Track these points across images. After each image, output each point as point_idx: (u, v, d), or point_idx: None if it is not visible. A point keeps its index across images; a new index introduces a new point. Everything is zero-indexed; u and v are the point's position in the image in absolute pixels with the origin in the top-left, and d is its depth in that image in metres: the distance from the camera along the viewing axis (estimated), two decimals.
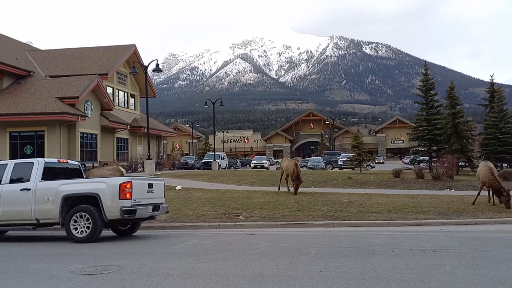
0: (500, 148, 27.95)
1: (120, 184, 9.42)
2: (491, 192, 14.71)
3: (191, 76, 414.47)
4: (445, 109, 29.01)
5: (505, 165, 29.07)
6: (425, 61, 34.31)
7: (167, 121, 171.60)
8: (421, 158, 29.91)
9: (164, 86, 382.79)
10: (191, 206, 14.72)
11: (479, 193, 14.97)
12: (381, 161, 37.94)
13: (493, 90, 31.97)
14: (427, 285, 5.49)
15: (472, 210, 13.56)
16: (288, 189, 18.50)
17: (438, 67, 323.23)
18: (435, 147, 28.63)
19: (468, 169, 27.98)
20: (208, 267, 6.59)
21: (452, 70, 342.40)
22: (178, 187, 19.37)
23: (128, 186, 9.43)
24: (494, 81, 32.85)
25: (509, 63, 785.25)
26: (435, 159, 27.30)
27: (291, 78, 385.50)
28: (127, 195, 9.41)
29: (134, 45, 39.93)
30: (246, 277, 5.95)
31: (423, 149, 29.60)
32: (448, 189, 19.09)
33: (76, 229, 9.54)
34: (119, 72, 38.52)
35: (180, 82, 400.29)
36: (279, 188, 18.91)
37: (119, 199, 9.36)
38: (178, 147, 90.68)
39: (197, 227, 11.99)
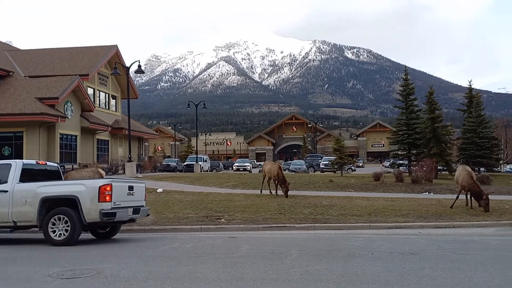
0: (477, 152, 28.52)
1: (99, 187, 9.29)
2: (469, 195, 14.99)
3: (174, 78, 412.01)
4: (425, 113, 29.49)
5: (482, 169, 29.69)
6: (405, 67, 34.85)
7: (149, 123, 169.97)
8: (401, 161, 30.36)
9: (147, 87, 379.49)
10: (173, 209, 14.61)
11: (457, 197, 15.24)
12: (360, 164, 38.28)
13: (471, 95, 32.61)
14: None
15: (450, 214, 13.80)
16: (270, 192, 18.54)
17: (418, 72, 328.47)
18: (414, 151, 29.07)
19: (447, 173, 28.47)
20: (188, 271, 6.54)
21: (431, 75, 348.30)
22: (159, 190, 19.21)
23: (108, 188, 9.31)
24: (472, 87, 33.53)
25: (487, 70, 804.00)
26: (414, 162, 27.72)
27: (274, 81, 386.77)
28: (107, 198, 9.28)
29: (116, 46, 39.50)
30: (227, 280, 5.93)
31: (402, 153, 30.01)
32: (427, 193, 19.40)
33: (54, 232, 9.36)
34: (100, 73, 38.04)
35: (162, 83, 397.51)
36: (261, 191, 18.92)
37: (99, 201, 9.23)
38: (160, 149, 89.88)
39: (178, 230, 11.89)
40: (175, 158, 63.28)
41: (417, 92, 31.82)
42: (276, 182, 18.06)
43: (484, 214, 13.75)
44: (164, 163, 45.16)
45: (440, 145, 27.85)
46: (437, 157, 27.05)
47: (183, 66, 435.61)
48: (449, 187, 20.42)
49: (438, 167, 27.53)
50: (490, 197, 14.50)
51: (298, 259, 7.49)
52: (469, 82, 33.21)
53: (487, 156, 28.99)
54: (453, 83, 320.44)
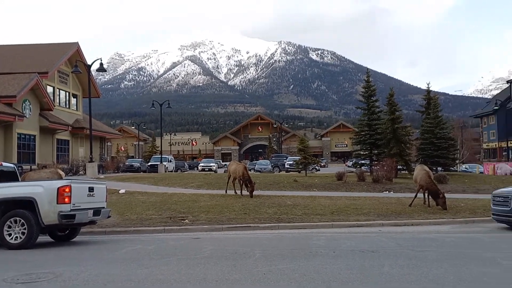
0: (435, 152, 29.54)
1: (58, 188, 9.01)
2: (427, 194, 15.53)
3: (138, 77, 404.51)
4: (385, 115, 30.29)
5: (439, 168, 30.76)
6: (367, 69, 35.73)
7: (112, 123, 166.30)
8: (363, 161, 31.03)
9: (110, 86, 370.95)
10: (135, 210, 14.37)
11: (416, 195, 15.75)
12: (323, 164, 38.83)
13: (429, 97, 33.72)
14: (365, 285, 5.70)
15: (409, 212, 14.25)
16: (235, 192, 18.54)
17: (380, 74, 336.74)
18: (375, 151, 29.80)
19: (406, 172, 29.35)
20: (150, 273, 6.45)
21: (392, 77, 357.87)
22: (121, 191, 18.82)
23: (67, 190, 9.05)
24: (430, 89, 34.67)
25: (445, 73, 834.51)
26: (375, 162, 28.43)
27: (240, 82, 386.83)
28: (66, 199, 9.02)
29: (77, 43, 38.43)
30: (189, 282, 5.89)
31: (364, 152, 30.70)
32: (387, 192, 19.94)
33: (10, 235, 9.00)
34: (60, 71, 36.91)
35: (126, 82, 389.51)
36: (226, 191, 18.89)
37: (57, 203, 8.96)
38: (123, 150, 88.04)
39: (140, 231, 11.71)
40: (139, 158, 62.14)
41: (379, 94, 32.63)
42: (241, 182, 18.09)
43: (440, 212, 14.28)
44: (127, 163, 44.31)
45: (400, 145, 28.70)
46: (397, 157, 27.85)
47: (148, 65, 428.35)
48: (408, 186, 21.05)
49: (398, 167, 28.33)
50: (446, 195, 15.08)
51: (262, 259, 7.53)
52: (427, 84, 34.38)
53: (444, 156, 30.07)
54: (412, 85, 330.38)
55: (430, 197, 15.50)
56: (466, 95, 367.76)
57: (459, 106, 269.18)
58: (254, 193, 17.57)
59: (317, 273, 6.39)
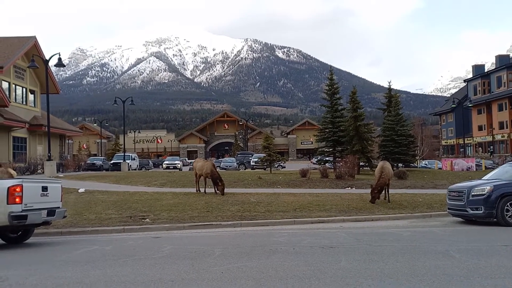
0: (396, 149, 30.26)
1: (8, 188, 8.61)
2: (387, 189, 15.87)
3: (101, 73, 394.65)
4: (348, 112, 30.78)
5: (400, 164, 31.56)
6: (331, 67, 36.18)
7: (74, 120, 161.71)
8: (327, 158, 31.42)
9: (71, 82, 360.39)
10: (94, 209, 13.96)
11: (380, 191, 16.03)
12: (282, 164, 39.28)
13: (391, 95, 34.49)
14: (322, 281, 5.72)
15: (369, 207, 14.52)
16: (198, 190, 18.34)
17: (344, 73, 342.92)
18: (339, 148, 30.25)
19: (368, 168, 29.94)
20: (104, 274, 6.25)
21: (356, 76, 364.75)
22: (81, 190, 18.27)
23: (18, 189, 8.66)
24: (392, 87, 35.50)
25: (406, 72, 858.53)
26: (338, 159, 28.86)
27: (206, 79, 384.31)
28: (17, 200, 8.63)
29: (34, 37, 36.97)
30: (144, 282, 5.74)
31: (328, 149, 31.10)
32: (350, 188, 20.26)
33: None
34: (17, 65, 35.41)
35: (89, 78, 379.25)
36: (197, 190, 18.45)
37: (7, 203, 8.56)
38: (85, 148, 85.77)
39: (99, 231, 11.39)
40: (101, 156, 60.65)
41: (343, 92, 33.12)
42: (206, 180, 17.91)
43: (400, 207, 14.62)
44: (88, 161, 43.14)
45: (362, 142, 29.23)
46: (359, 154, 28.36)
47: (111, 60, 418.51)
48: (369, 182, 21.36)
49: (360, 164, 28.86)
50: (405, 190, 15.46)
51: (221, 257, 7.46)
52: (389, 83, 35.17)
53: (404, 152, 30.85)
54: (375, 83, 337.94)
55: (389, 192, 15.87)
56: (426, 93, 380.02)
57: (420, 104, 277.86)
58: (218, 191, 17.42)
59: (275, 270, 6.37)
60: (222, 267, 6.60)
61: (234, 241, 9.64)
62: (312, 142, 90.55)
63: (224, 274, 6.17)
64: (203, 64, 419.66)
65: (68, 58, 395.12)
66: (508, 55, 73.85)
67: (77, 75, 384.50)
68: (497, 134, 62.42)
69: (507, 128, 60.30)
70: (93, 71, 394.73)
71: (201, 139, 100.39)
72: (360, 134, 29.34)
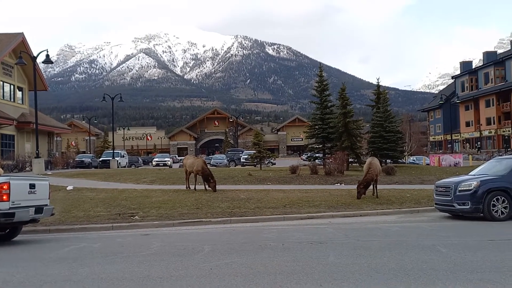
0: (384, 145, 30.47)
1: None
2: (375, 185, 15.99)
3: (90, 70, 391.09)
4: (338, 109, 30.90)
5: (388, 160, 31.79)
6: (320, 63, 36.24)
7: (62, 117, 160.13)
8: (316, 155, 31.52)
9: (60, 79, 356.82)
10: (83, 207, 13.87)
11: (367, 187, 16.14)
12: (272, 160, 39.46)
13: (379, 92, 34.69)
14: (310, 277, 5.77)
15: (358, 203, 14.62)
16: (188, 187, 18.31)
17: (334, 69, 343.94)
18: (328, 145, 30.38)
19: (357, 164, 30.11)
20: (92, 272, 6.23)
21: (346, 73, 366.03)
22: (69, 187, 18.13)
23: (5, 187, 8.57)
24: (381, 84, 35.73)
25: (395, 68, 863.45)
26: (328, 155, 28.99)
27: (196, 75, 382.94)
28: (4, 197, 8.55)
29: (22, 34, 36.50)
30: (132, 280, 5.73)
31: (318, 146, 31.23)
32: (339, 184, 20.38)
33: None
34: (4, 62, 34.96)
35: (77, 75, 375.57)
36: (187, 187, 18.45)
37: None
38: (74, 145, 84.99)
39: (87, 229, 11.31)
40: (90, 153, 60.18)
41: (332, 89, 33.19)
42: (196, 176, 17.89)
43: (387, 203, 14.74)
44: (77, 159, 42.82)
45: (351, 139, 29.38)
46: (349, 150, 28.50)
47: (100, 57, 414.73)
48: (358, 178, 21.43)
49: (350, 160, 29.01)
50: (394, 186, 15.59)
51: (210, 253, 7.47)
52: (377, 79, 35.39)
53: (392, 148, 31.08)
54: (365, 80, 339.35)
55: (377, 188, 16.00)
56: (415, 90, 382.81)
57: (408, 101, 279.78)
58: (209, 188, 17.42)
59: (264, 266, 6.41)
60: (211, 264, 6.61)
61: (223, 237, 9.65)
62: (302, 138, 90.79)
63: (213, 270, 6.18)
64: (193, 61, 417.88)
65: (56, 55, 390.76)
66: (495, 52, 74.69)
67: (65, 72, 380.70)
68: (484, 130, 63.20)
69: (494, 124, 61.08)
70: (81, 68, 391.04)
71: (191, 136, 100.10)
72: (349, 130, 29.49)
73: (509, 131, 58.27)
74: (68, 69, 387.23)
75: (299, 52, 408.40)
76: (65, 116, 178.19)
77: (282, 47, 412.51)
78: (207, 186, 17.66)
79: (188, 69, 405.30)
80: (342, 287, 5.30)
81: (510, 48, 65.06)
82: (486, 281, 5.45)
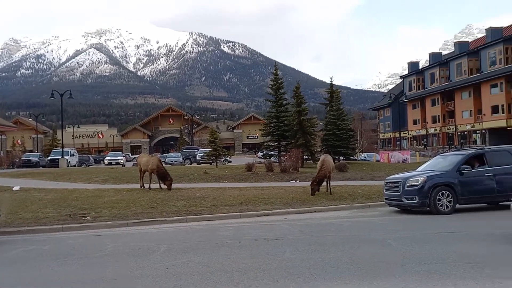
0: (337, 142, 31.25)
1: None
2: (328, 181, 16.36)
3: (37, 65, 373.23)
4: (293, 107, 31.38)
5: (341, 157, 32.65)
6: (275, 62, 36.66)
7: (7, 114, 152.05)
8: (272, 152, 31.86)
9: (4, 74, 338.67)
10: (31, 208, 13.28)
11: (320, 183, 16.49)
12: (228, 158, 39.46)
13: (332, 91, 35.51)
14: (267, 273, 5.85)
15: (312, 200, 14.92)
16: (143, 186, 17.98)
17: (289, 68, 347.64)
18: (283, 142, 30.81)
19: (311, 162, 30.71)
20: (42, 275, 6.00)
21: (300, 71, 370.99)
22: (16, 188, 17.30)
23: None
24: (334, 83, 36.58)
25: (347, 68, 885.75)
26: (283, 153, 29.37)
27: (150, 72, 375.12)
28: None
29: None
30: (84, 282, 5.58)
31: (273, 144, 31.59)
32: (294, 181, 20.69)
33: None
34: None
35: (23, 70, 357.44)
36: (142, 186, 18.07)
37: None
38: (20, 143, 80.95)
39: (36, 231, 10.84)
40: (37, 152, 57.60)
41: (287, 87, 33.62)
42: (151, 175, 17.58)
43: (340, 199, 15.15)
44: (24, 158, 40.94)
45: (305, 136, 29.93)
46: (303, 148, 29.01)
47: (48, 52, 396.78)
48: (313, 175, 21.77)
49: (304, 157, 29.53)
50: (346, 182, 16.02)
51: (166, 253, 7.39)
52: (331, 78, 36.21)
53: (345, 146, 31.95)
54: (318, 79, 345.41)
55: (330, 184, 16.40)
56: (366, 89, 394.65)
57: (360, 99, 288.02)
58: (164, 186, 17.19)
59: (221, 264, 6.42)
60: (167, 263, 6.54)
61: (179, 236, 9.57)
62: (257, 136, 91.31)
63: (169, 270, 6.13)
64: (147, 57, 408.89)
65: (0, 49, 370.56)
66: (440, 53, 78.36)
67: (10, 66, 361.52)
68: (430, 128, 66.18)
69: (439, 122, 64.09)
70: (27, 63, 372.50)
71: (145, 134, 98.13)
72: (303, 128, 30.01)
73: (452, 128, 61.40)
74: (13, 64, 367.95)
75: (254, 50, 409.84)
76: (10, 113, 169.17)
77: (237, 45, 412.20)
78: (162, 185, 17.42)
79: (142, 65, 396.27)
80: (297, 282, 5.41)
81: (453, 50, 68.39)
82: (433, 272, 5.74)
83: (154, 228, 11.31)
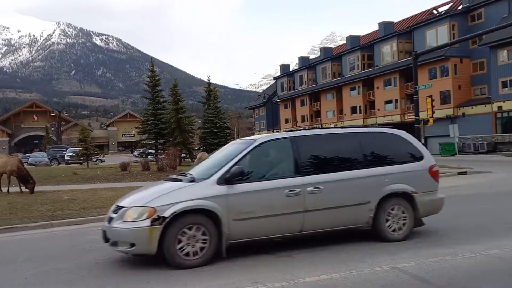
0: (215, 140, 31.79)
1: None
2: None
3: None
4: (170, 104, 31.06)
5: None
6: (152, 58, 35.85)
7: None
8: (149, 151, 31.17)
9: None
10: None
11: None
12: (101, 158, 37.53)
13: (210, 89, 36.02)
14: (139, 276, 5.75)
15: None
16: (0, 190, 16.21)
17: (166, 65, 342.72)
18: (161, 140, 30.36)
19: (189, 159, 30.78)
20: None
21: (179, 69, 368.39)
22: None
23: None
24: (211, 81, 37.17)
25: (224, 67, 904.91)
26: (161, 151, 28.94)
27: (10, 63, 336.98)
28: None
29: None
30: None
31: (150, 142, 30.93)
32: None
33: None
34: None
35: None
36: (2, 190, 16.24)
37: None
38: None
39: None
40: None
41: (165, 84, 33.20)
42: (10, 177, 15.96)
43: None
44: None
45: (183, 134, 29.90)
46: (181, 146, 28.96)
47: None
48: None
49: (182, 155, 29.48)
50: None
51: (26, 262, 6.79)
52: (208, 77, 36.68)
53: (222, 144, 32.60)
54: (196, 77, 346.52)
55: None
56: (242, 88, 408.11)
57: (237, 99, 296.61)
58: (26, 190, 15.73)
59: (89, 270, 6.12)
60: (26, 273, 6.01)
61: (43, 243, 8.85)
62: (134, 134, 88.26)
63: (28, 280, 5.65)
64: (6, 47, 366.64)
65: None
66: (308, 57, 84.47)
67: None
68: (300, 126, 71.04)
69: (307, 121, 69.12)
70: None
71: (4, 132, 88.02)
72: (181, 126, 29.92)
73: (319, 127, 66.79)
74: None
75: (130, 45, 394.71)
76: None
77: (111, 38, 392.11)
78: (23, 188, 15.95)
79: (0, 56, 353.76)
80: None
81: (319, 55, 74.23)
82: None
83: (13, 235, 10.27)
